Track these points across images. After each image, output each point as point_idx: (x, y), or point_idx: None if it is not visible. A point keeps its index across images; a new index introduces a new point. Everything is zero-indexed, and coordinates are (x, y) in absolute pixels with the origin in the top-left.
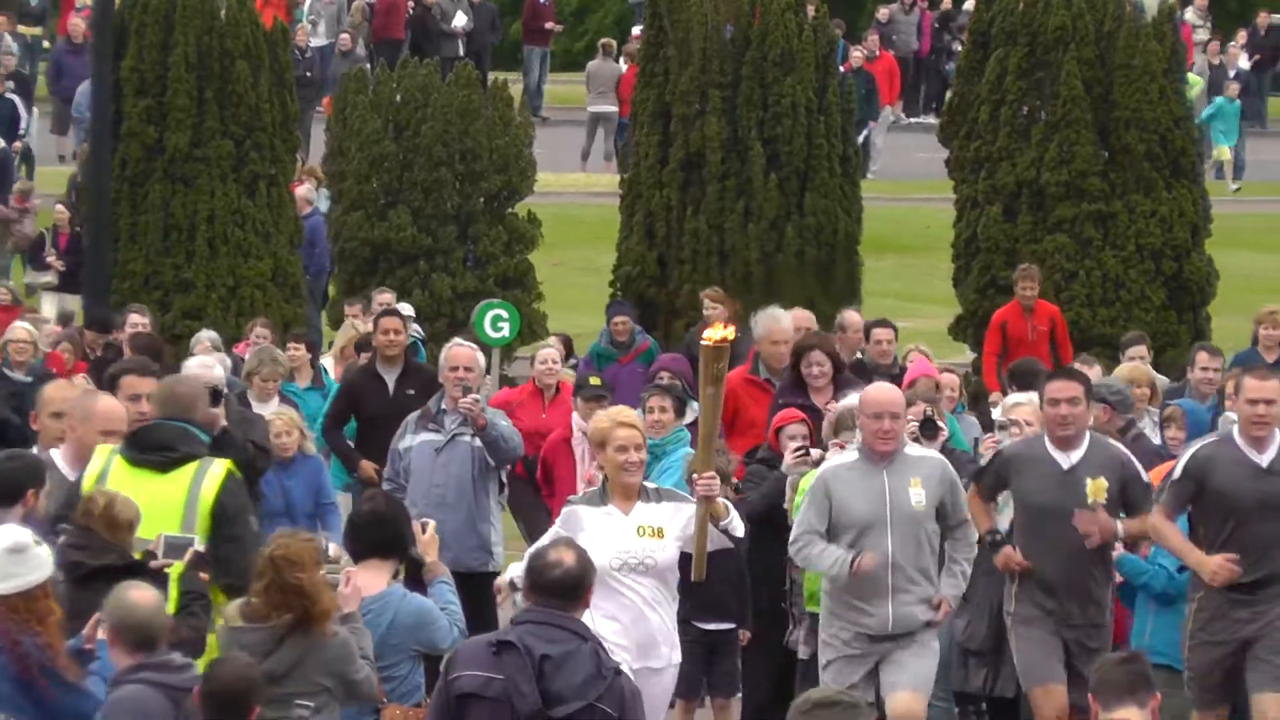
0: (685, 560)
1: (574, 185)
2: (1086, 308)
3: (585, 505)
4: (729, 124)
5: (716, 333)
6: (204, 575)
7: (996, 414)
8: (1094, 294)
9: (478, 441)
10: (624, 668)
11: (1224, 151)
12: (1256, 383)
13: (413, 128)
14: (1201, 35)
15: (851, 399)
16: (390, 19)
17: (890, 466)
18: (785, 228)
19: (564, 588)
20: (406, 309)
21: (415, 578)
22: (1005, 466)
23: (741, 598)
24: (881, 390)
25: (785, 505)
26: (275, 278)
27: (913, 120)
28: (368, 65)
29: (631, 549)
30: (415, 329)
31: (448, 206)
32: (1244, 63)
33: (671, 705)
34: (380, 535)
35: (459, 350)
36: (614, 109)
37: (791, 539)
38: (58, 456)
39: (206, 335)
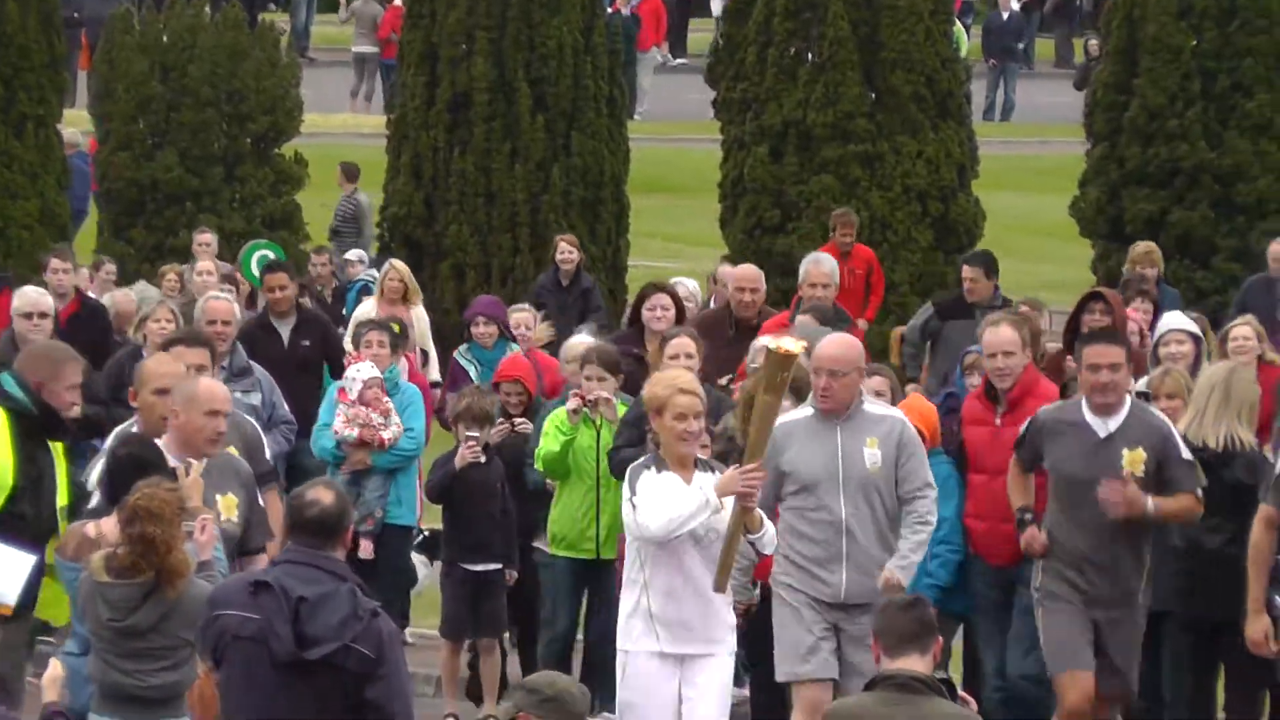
0: None
1: (341, 126)
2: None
3: (650, 471)
4: (496, 65)
5: (788, 344)
6: None
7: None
8: (860, 235)
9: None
10: (665, 653)
11: None
12: None
13: (180, 69)
14: None
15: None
16: None
17: (845, 424)
18: (552, 168)
19: (322, 526)
20: (356, 254)
21: None
22: (1039, 434)
23: (508, 538)
24: (831, 344)
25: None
26: (43, 219)
27: (680, 61)
28: (134, 6)
29: (724, 506)
30: (370, 272)
31: (215, 147)
32: (1015, 4)
33: (477, 650)
34: (138, 479)
35: (216, 304)
36: (375, 50)
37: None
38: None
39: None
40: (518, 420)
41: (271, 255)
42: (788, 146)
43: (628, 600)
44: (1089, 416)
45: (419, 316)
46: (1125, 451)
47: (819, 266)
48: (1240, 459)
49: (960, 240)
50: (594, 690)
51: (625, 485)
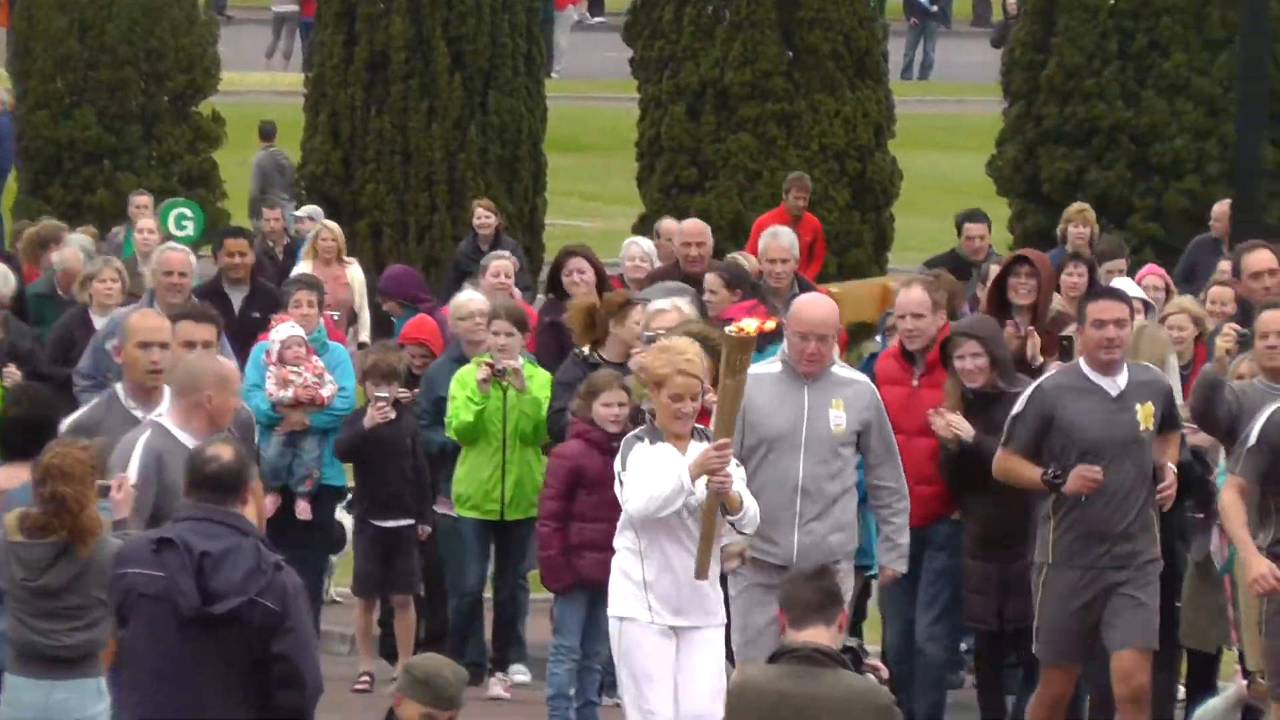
0: None
1: (259, 84)
2: (770, 208)
3: (643, 443)
4: (414, 23)
5: (750, 323)
6: None
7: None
8: (778, 194)
9: None
10: (666, 630)
11: None
12: None
13: (98, 27)
14: None
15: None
16: None
17: (813, 384)
18: (469, 127)
19: (221, 482)
20: (308, 210)
21: None
22: (1044, 402)
23: (420, 494)
24: (813, 307)
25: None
26: None
27: (597, 19)
28: None
29: (696, 489)
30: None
31: (133, 105)
32: None
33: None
34: (30, 440)
35: (172, 254)
36: (295, 8)
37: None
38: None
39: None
40: (417, 391)
41: (189, 213)
42: (705, 105)
43: (621, 565)
44: (1095, 378)
45: (354, 276)
46: (1138, 407)
47: (777, 240)
48: None
49: (877, 199)
50: (502, 648)
51: (618, 459)
